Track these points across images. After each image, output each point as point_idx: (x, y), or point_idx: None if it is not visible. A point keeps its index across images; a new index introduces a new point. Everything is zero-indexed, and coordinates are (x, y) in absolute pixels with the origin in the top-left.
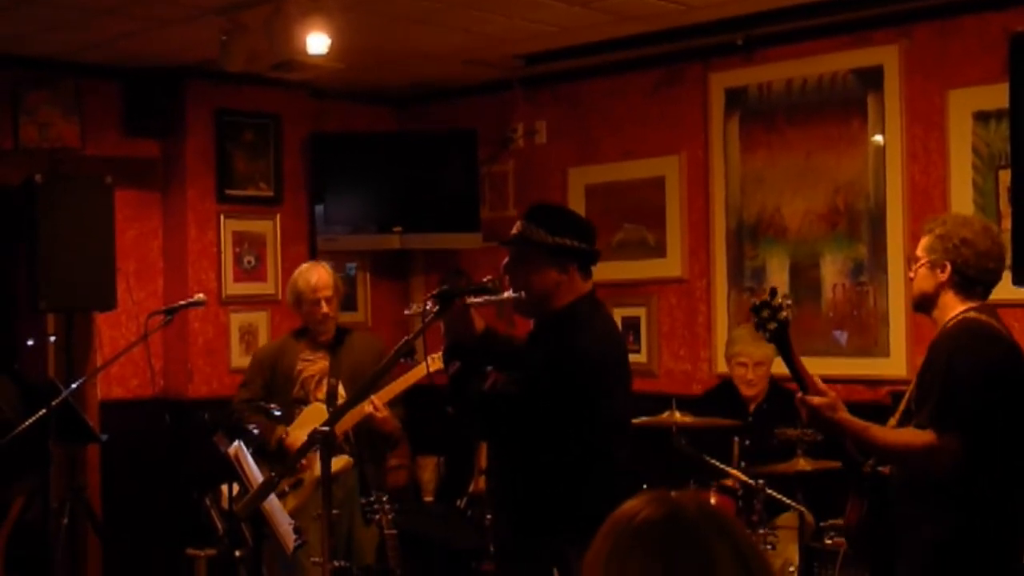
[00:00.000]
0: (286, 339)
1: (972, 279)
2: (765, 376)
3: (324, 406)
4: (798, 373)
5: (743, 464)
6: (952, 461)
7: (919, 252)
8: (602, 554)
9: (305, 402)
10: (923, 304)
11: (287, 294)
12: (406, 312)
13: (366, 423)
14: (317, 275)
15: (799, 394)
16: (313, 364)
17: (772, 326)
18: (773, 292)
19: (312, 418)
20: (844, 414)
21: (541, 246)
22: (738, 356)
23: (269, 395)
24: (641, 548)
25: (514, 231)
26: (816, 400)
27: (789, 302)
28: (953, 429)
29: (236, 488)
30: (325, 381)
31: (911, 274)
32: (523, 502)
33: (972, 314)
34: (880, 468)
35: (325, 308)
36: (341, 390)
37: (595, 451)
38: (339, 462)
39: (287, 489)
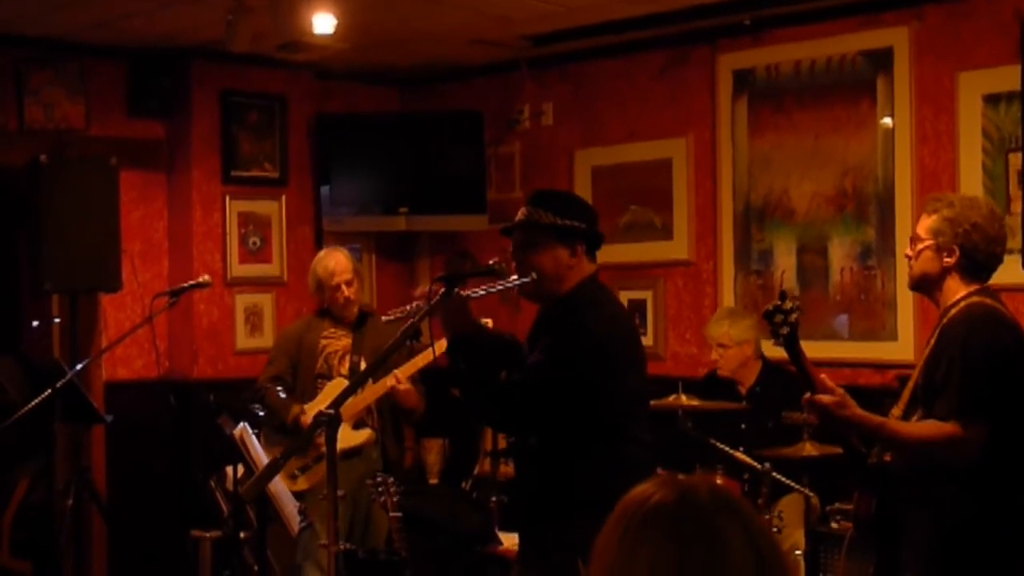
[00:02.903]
0: (310, 318)
1: (980, 264)
2: (735, 358)
3: (346, 381)
4: (806, 373)
5: (741, 449)
6: (978, 450)
7: (923, 233)
8: (614, 537)
9: (328, 377)
10: (924, 285)
11: (309, 281)
12: (385, 319)
13: (389, 398)
14: (335, 261)
15: (807, 395)
16: (337, 341)
17: (785, 331)
18: (783, 295)
19: (335, 393)
20: (855, 410)
21: (550, 228)
22: (709, 340)
23: (295, 371)
24: (654, 531)
25: (520, 216)
26: (826, 399)
27: (798, 304)
28: (979, 418)
29: (241, 470)
30: (348, 357)
31: (909, 253)
32: (546, 486)
33: (977, 298)
34: (884, 458)
35: (346, 292)
36: (363, 366)
37: (614, 431)
38: (362, 435)
39: (311, 463)
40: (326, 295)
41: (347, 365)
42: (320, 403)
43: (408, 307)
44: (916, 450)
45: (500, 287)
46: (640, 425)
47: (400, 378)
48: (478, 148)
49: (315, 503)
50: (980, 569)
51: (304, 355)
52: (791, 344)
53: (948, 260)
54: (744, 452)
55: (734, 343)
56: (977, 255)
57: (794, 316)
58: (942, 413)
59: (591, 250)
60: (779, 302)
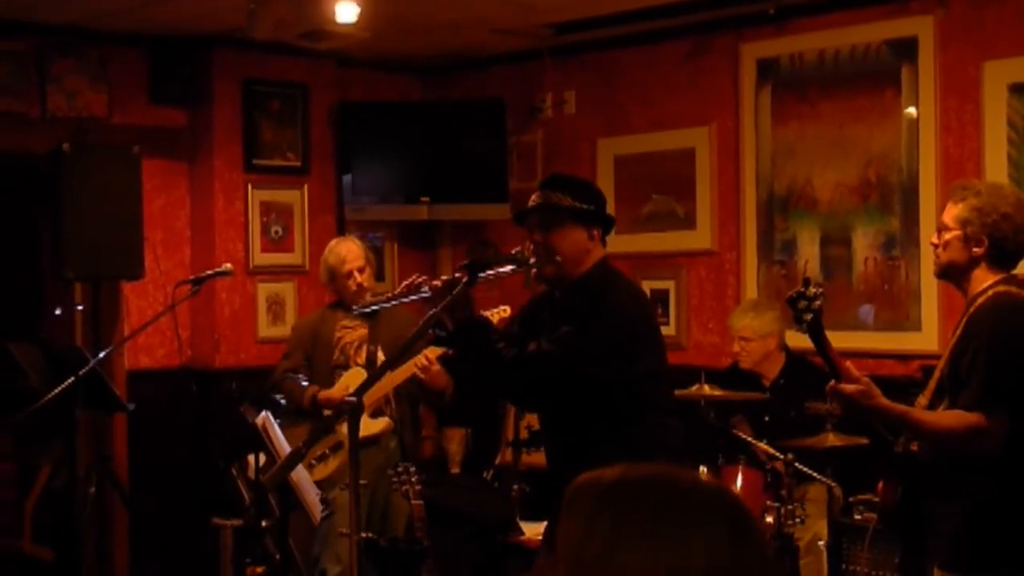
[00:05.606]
0: (324, 310)
1: (1008, 253)
2: (757, 351)
3: (364, 370)
4: (831, 361)
5: (765, 440)
6: (1000, 441)
7: (950, 221)
8: (576, 518)
9: (345, 367)
10: (950, 274)
11: (320, 272)
12: (356, 309)
13: (415, 383)
14: (346, 248)
15: (831, 383)
16: (353, 331)
17: (808, 317)
18: (807, 282)
19: (352, 382)
20: (881, 400)
21: (568, 210)
22: (731, 332)
23: (310, 364)
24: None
25: (535, 200)
26: (850, 388)
27: (822, 291)
28: (1003, 409)
29: (263, 458)
30: (365, 347)
31: (936, 241)
32: (578, 470)
33: (1003, 287)
34: (911, 447)
35: (359, 279)
36: (380, 355)
37: (644, 414)
38: (379, 424)
39: (328, 452)
40: (338, 283)
41: (364, 355)
42: (338, 391)
43: (389, 293)
44: (940, 440)
45: (523, 269)
46: (667, 408)
47: (430, 358)
48: (500, 137)
49: (333, 492)
50: (1006, 558)
51: (320, 347)
52: (815, 331)
53: (977, 250)
54: (767, 444)
55: (757, 336)
56: (1006, 245)
57: (818, 303)
58: (966, 403)
59: (604, 234)
60: (802, 288)
